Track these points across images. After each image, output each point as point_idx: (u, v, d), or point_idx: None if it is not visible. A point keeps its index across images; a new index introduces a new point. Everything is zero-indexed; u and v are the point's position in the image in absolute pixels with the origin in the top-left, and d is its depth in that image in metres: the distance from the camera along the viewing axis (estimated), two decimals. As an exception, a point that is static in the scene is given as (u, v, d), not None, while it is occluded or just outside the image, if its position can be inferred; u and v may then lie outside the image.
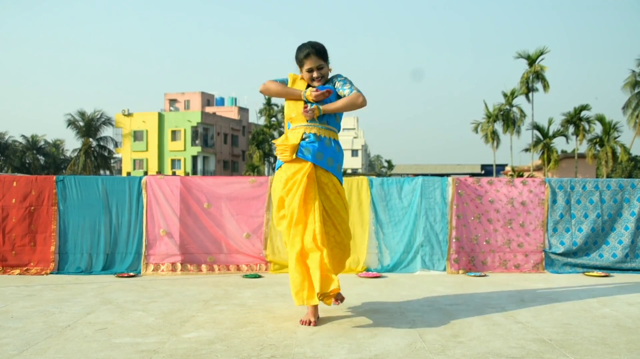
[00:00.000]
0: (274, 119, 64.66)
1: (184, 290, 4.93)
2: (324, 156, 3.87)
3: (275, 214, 3.97)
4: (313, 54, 3.87)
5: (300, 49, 3.94)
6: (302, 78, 4.00)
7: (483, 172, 61.20)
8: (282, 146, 3.86)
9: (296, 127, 3.91)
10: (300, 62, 3.94)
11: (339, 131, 4.05)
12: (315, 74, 3.90)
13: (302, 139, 3.86)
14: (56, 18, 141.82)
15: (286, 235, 3.86)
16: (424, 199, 6.08)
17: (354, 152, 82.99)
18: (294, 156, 3.84)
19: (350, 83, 3.94)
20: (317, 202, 3.77)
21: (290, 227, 3.79)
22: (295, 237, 3.75)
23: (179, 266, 5.91)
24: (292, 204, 3.78)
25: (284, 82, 3.99)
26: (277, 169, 3.98)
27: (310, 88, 3.87)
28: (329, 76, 4.02)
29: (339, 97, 3.94)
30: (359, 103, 3.85)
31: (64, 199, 6.01)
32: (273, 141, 4.18)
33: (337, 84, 3.95)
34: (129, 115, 63.88)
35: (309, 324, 3.66)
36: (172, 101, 71.14)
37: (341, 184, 3.98)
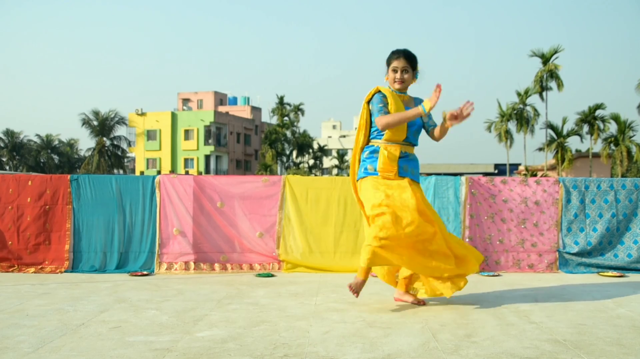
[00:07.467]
0: (286, 118, 64.75)
1: (197, 289, 4.95)
2: (415, 171, 4.29)
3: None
4: (402, 56, 4.21)
5: (393, 51, 4.27)
6: (386, 84, 4.34)
7: (496, 171, 60.83)
8: (392, 163, 4.16)
9: (392, 144, 4.20)
10: (388, 62, 4.27)
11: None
12: (398, 75, 4.21)
13: (400, 157, 4.19)
14: (70, 18, 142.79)
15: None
16: (437, 198, 6.06)
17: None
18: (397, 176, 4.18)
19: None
20: None
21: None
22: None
23: (192, 265, 5.93)
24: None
25: (384, 101, 4.21)
26: (370, 176, 4.22)
27: (427, 100, 4.03)
28: (409, 88, 4.33)
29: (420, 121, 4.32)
30: None
31: (78, 198, 6.05)
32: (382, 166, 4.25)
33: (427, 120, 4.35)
34: (143, 114, 64.17)
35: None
36: (185, 101, 71.41)
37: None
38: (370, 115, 4.27)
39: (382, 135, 4.20)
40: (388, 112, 4.12)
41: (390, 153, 4.16)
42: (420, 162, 4.41)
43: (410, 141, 4.27)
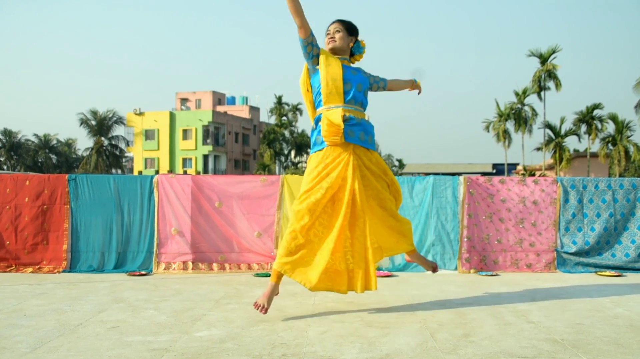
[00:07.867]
0: (284, 118, 64.73)
1: (196, 289, 4.95)
2: (366, 135, 4.05)
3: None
4: (336, 20, 4.18)
5: None
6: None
7: (494, 171, 60.92)
8: (334, 127, 3.91)
9: (333, 108, 3.99)
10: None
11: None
12: (329, 36, 4.12)
13: (344, 122, 3.94)
14: (68, 17, 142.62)
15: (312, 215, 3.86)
16: (435, 198, 6.07)
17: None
18: (343, 139, 3.94)
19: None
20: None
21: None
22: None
23: (190, 264, 5.93)
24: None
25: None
26: (315, 152, 4.04)
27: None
28: (356, 63, 4.31)
29: (369, 88, 4.27)
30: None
31: (76, 198, 6.04)
32: (327, 122, 3.97)
33: (372, 77, 4.30)
34: (141, 114, 64.16)
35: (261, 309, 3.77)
36: (184, 100, 71.40)
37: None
38: (310, 78, 4.15)
39: (322, 102, 4.04)
40: (314, 43, 4.01)
41: (333, 117, 3.92)
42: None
43: (354, 104, 4.04)
